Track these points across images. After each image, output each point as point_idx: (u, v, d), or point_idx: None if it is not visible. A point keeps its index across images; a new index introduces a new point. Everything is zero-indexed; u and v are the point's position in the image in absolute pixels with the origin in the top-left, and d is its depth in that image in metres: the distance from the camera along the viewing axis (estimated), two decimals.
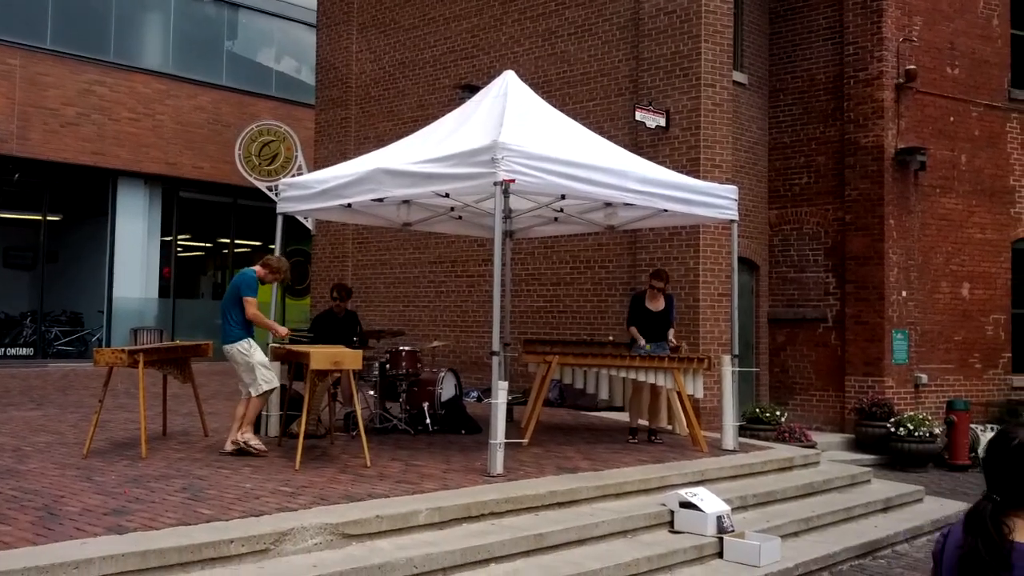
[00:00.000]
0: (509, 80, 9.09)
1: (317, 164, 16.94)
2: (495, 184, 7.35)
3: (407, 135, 9.97)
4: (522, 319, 13.88)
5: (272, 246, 8.75)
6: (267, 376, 7.99)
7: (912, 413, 12.58)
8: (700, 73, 12.17)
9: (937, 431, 12.38)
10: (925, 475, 11.73)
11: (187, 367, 8.78)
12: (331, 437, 8.98)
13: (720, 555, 6.80)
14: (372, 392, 10.19)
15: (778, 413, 12.20)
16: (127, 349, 7.86)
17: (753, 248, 13.70)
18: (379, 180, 8.19)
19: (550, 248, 13.89)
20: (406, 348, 9.96)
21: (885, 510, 8.86)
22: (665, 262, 12.12)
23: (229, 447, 7.89)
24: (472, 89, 12.29)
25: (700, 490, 7.25)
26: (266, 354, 8.38)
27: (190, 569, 4.95)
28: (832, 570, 7.23)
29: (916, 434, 12.14)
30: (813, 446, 11.09)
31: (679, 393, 9.47)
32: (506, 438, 7.41)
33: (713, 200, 9.32)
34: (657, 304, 9.79)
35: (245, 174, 18.56)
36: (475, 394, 12.94)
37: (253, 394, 7.93)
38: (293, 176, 14.14)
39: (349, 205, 8.90)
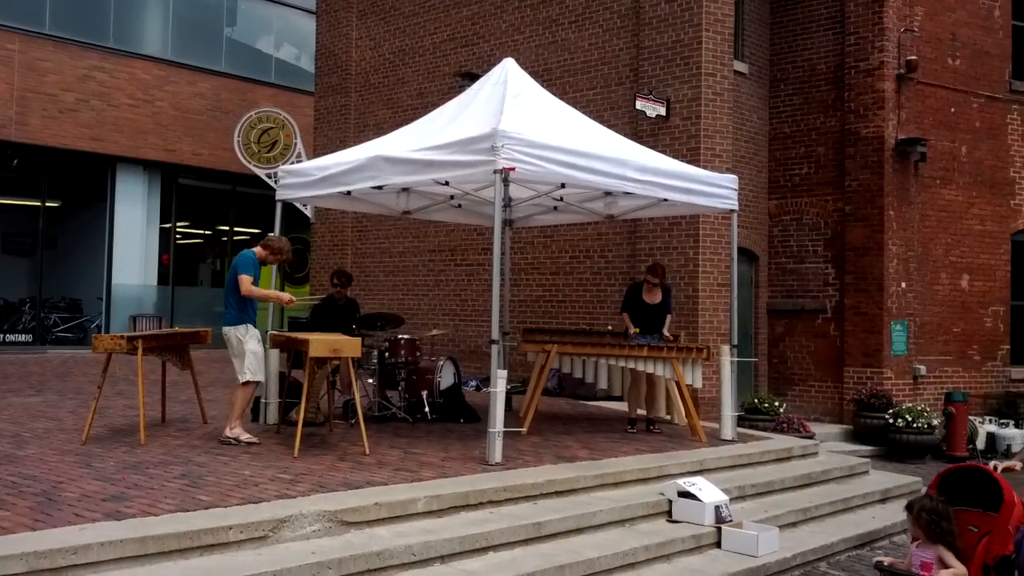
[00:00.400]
0: (509, 68, 9.06)
1: (316, 151, 16.92)
2: (495, 172, 7.33)
3: (407, 123, 9.95)
4: (521, 308, 13.88)
5: (271, 234, 8.72)
6: (253, 367, 7.90)
7: (911, 404, 12.60)
8: (701, 62, 12.14)
9: (935, 422, 12.40)
10: (923, 466, 11.75)
11: (186, 354, 8.76)
12: (330, 425, 8.98)
13: (718, 545, 6.81)
14: (371, 380, 10.19)
15: (777, 404, 12.20)
16: (126, 335, 7.84)
17: (753, 238, 13.69)
18: (379, 167, 8.17)
19: (549, 237, 13.88)
20: (405, 336, 9.95)
21: (883, 501, 8.88)
22: (665, 252, 12.11)
23: (228, 433, 7.88)
24: (472, 77, 12.26)
25: (698, 480, 7.26)
26: (266, 341, 8.36)
27: (189, 555, 4.95)
28: (830, 560, 7.25)
29: (914, 425, 12.15)
30: (811, 437, 11.10)
31: (678, 383, 9.47)
32: (505, 427, 7.42)
33: (713, 190, 9.31)
34: (653, 297, 9.77)
35: (244, 161, 18.53)
36: (474, 383, 12.94)
37: (240, 380, 7.90)
38: (292, 163, 14.10)
39: (348, 192, 8.88)
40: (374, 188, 8.57)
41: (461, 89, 11.22)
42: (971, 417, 13.00)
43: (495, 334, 7.53)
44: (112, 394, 10.59)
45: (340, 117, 17.50)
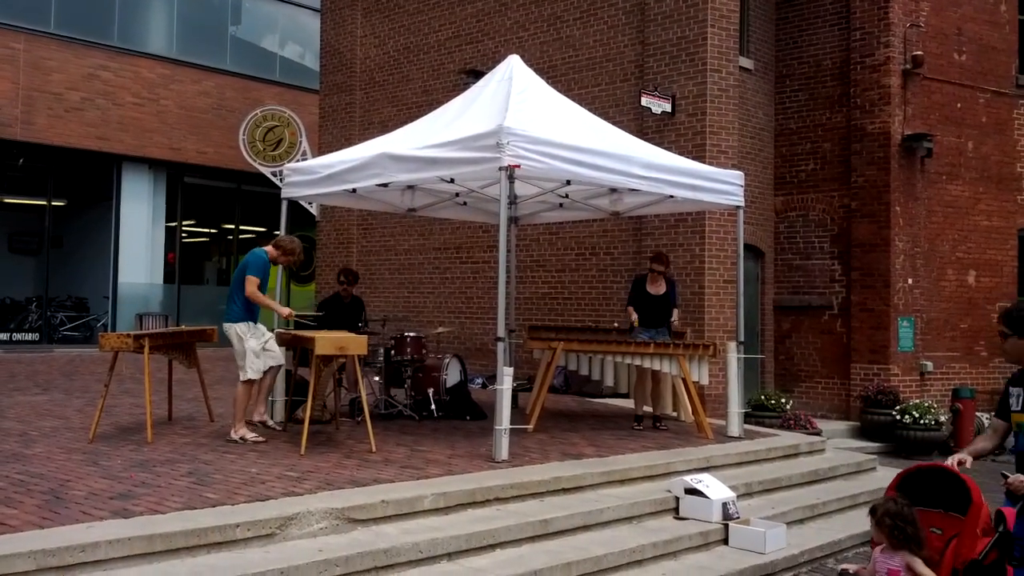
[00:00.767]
0: (514, 65, 9.04)
1: (321, 149, 16.92)
2: (500, 169, 7.31)
3: (412, 120, 9.94)
4: (527, 305, 13.87)
5: (277, 232, 8.72)
6: (254, 365, 7.89)
7: (918, 401, 12.57)
8: (706, 58, 12.12)
9: (943, 419, 12.37)
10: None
11: (192, 352, 8.77)
12: (336, 422, 8.98)
13: (725, 541, 6.80)
14: (377, 378, 10.19)
15: (783, 400, 12.19)
16: (132, 334, 7.86)
17: (759, 235, 13.67)
18: (384, 165, 8.16)
19: (555, 234, 13.87)
20: (411, 334, 9.95)
21: None
22: (671, 248, 12.09)
23: (233, 435, 7.89)
24: (477, 74, 12.24)
25: (705, 477, 7.25)
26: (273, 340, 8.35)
27: (196, 553, 4.95)
28: (837, 557, 7.23)
29: (922, 422, 12.12)
30: (818, 433, 11.09)
31: (684, 380, 9.46)
32: (511, 424, 7.42)
33: (719, 186, 9.29)
34: (658, 288, 9.73)
35: (249, 159, 18.54)
36: (480, 380, 12.95)
37: (240, 378, 7.90)
38: (297, 161, 14.09)
39: (354, 190, 8.87)
40: (379, 186, 8.56)
41: (466, 86, 11.21)
42: (978, 413, 12.96)
43: (501, 331, 7.52)
44: (119, 392, 10.60)
45: (345, 115, 17.50)
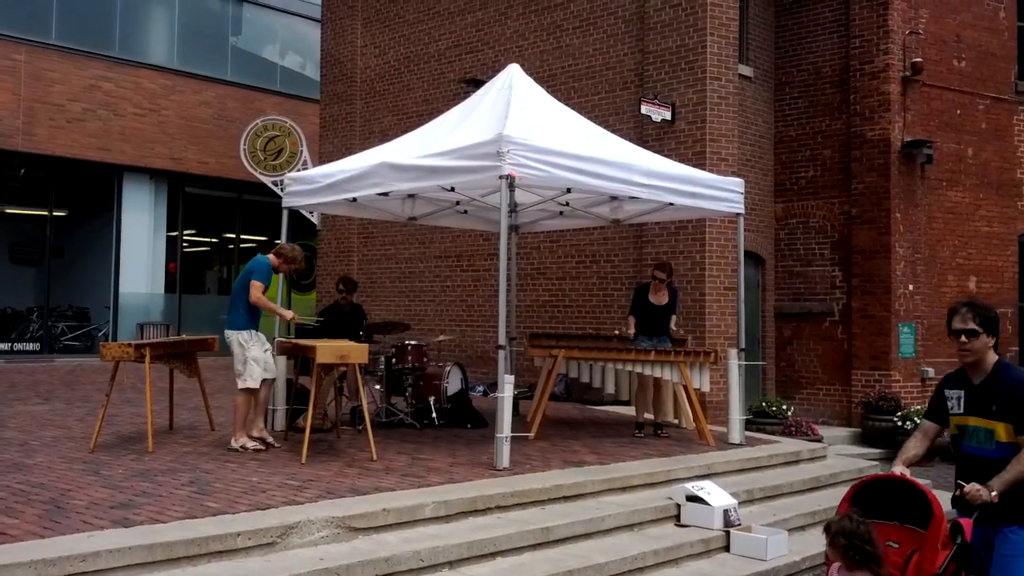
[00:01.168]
0: (514, 73, 9.07)
1: (322, 159, 16.95)
2: (500, 178, 7.33)
3: (412, 129, 9.96)
4: (528, 313, 13.88)
5: (278, 241, 8.73)
6: (255, 374, 7.89)
7: (919, 407, 12.55)
8: (706, 66, 12.14)
9: None
10: (932, 469, 11.69)
11: (193, 361, 8.78)
12: (337, 431, 8.98)
13: (727, 549, 6.80)
14: (378, 386, 10.20)
15: (784, 407, 12.18)
16: (134, 343, 7.86)
17: (759, 242, 13.68)
18: (384, 174, 8.17)
19: (555, 242, 13.88)
20: (412, 342, 9.95)
21: None
22: (671, 256, 12.10)
23: (234, 443, 7.89)
24: (477, 83, 12.28)
25: (707, 484, 7.24)
26: (272, 348, 8.36)
27: (197, 562, 4.95)
28: None
29: None
30: (820, 440, 11.08)
31: (685, 387, 9.46)
32: (512, 432, 7.42)
33: (719, 193, 9.30)
34: (660, 298, 9.72)
35: (250, 169, 18.57)
36: (481, 388, 12.94)
37: (239, 386, 7.89)
38: (298, 171, 14.11)
39: (354, 199, 8.89)
40: (380, 195, 8.58)
41: (466, 95, 11.24)
42: None
43: (502, 339, 7.52)
44: (120, 402, 10.61)
45: (346, 124, 17.54)
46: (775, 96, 14.27)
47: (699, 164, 11.52)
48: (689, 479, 7.52)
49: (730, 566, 6.51)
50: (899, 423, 12.24)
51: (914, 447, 4.70)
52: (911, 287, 13.31)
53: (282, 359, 8.85)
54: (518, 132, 7.53)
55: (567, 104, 10.02)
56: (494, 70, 11.61)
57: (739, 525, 6.91)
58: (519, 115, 8.11)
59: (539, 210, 10.49)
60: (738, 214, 9.59)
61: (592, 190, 8.56)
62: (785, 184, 14.14)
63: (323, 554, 5.26)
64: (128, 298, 20.07)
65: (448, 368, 10.13)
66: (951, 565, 4.11)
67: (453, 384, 10.10)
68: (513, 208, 10.39)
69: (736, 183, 9.56)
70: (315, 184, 8.99)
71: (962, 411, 4.50)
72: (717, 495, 7.05)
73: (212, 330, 10.87)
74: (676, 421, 10.37)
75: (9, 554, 4.55)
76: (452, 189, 8.78)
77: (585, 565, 5.87)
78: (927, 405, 4.86)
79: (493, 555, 5.83)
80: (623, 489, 7.31)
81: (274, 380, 8.33)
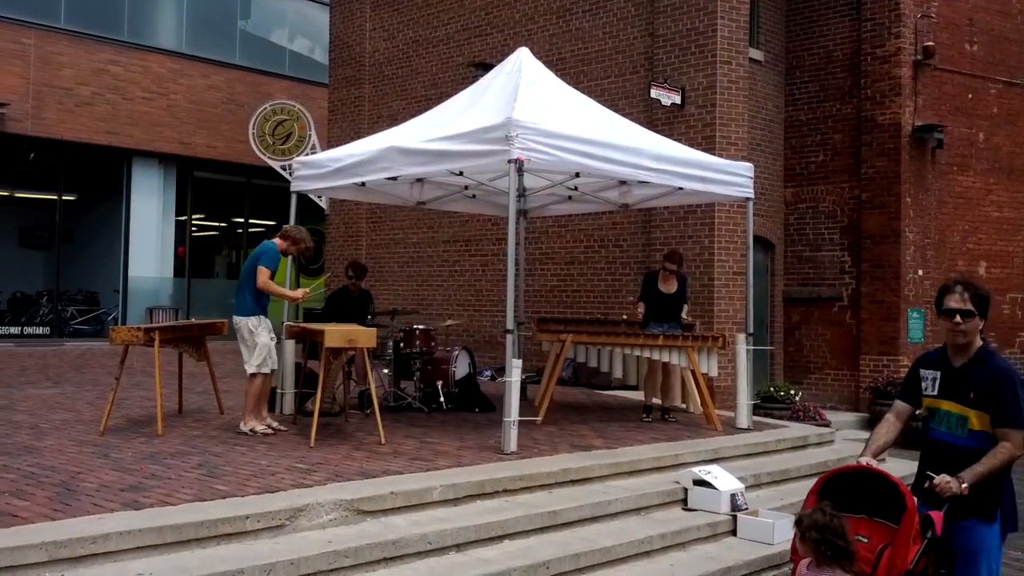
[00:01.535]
0: (523, 57, 9.03)
1: (331, 143, 16.94)
2: (509, 162, 7.31)
3: (421, 113, 9.94)
4: (536, 298, 13.87)
5: (286, 225, 8.73)
6: (264, 359, 7.87)
7: None
8: (716, 50, 12.08)
9: None
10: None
11: (202, 345, 8.80)
12: (346, 415, 9.01)
13: (734, 533, 6.80)
14: (386, 370, 10.22)
15: (792, 392, 12.16)
16: (143, 327, 7.87)
17: (768, 227, 13.64)
18: (393, 159, 8.16)
19: (564, 227, 13.86)
20: (420, 327, 9.96)
21: None
22: (680, 240, 12.08)
23: (243, 427, 7.91)
24: (486, 67, 12.23)
25: (714, 468, 7.24)
26: (280, 334, 8.37)
27: (206, 544, 4.98)
28: None
29: None
30: (827, 425, 11.06)
31: (693, 372, 9.45)
32: (520, 416, 7.42)
33: (728, 178, 9.25)
34: (669, 287, 9.69)
35: (259, 153, 18.58)
36: (489, 372, 12.96)
37: (247, 371, 7.90)
38: (307, 155, 14.11)
39: (363, 184, 8.89)
40: (388, 179, 8.57)
41: (475, 79, 11.20)
42: None
43: (510, 324, 7.52)
44: (129, 385, 10.64)
45: (354, 108, 17.51)
46: (785, 80, 14.20)
47: (708, 148, 11.47)
48: (696, 463, 7.52)
49: (737, 550, 6.51)
50: None
51: (885, 433, 4.51)
52: (920, 272, 13.26)
53: (290, 343, 8.87)
54: (527, 116, 7.50)
55: (576, 88, 9.97)
56: (503, 53, 11.57)
57: (746, 509, 6.91)
58: (528, 99, 8.08)
59: (548, 194, 10.47)
60: (747, 199, 9.55)
61: (601, 174, 8.54)
62: (795, 169, 14.09)
63: (331, 537, 5.28)
64: (137, 282, 20.14)
65: (456, 352, 10.14)
66: (922, 560, 3.93)
67: (461, 368, 10.12)
68: (521, 192, 10.37)
69: (746, 167, 9.51)
70: (324, 168, 8.98)
71: (936, 393, 4.30)
72: (724, 479, 7.05)
73: (221, 314, 10.90)
74: (684, 406, 10.37)
75: (20, 536, 4.57)
76: (460, 173, 8.77)
77: (592, 548, 5.89)
78: (902, 384, 4.64)
79: (500, 538, 5.84)
80: (630, 473, 7.32)
81: (274, 371, 8.30)
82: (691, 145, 10.84)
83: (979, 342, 4.21)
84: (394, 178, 8.55)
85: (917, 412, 4.46)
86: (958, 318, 4.13)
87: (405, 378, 10.23)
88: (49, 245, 20.48)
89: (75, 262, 20.35)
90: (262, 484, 5.90)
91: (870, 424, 12.71)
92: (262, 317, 7.98)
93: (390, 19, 17.03)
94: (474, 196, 10.47)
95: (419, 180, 9.67)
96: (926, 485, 4.07)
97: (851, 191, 13.52)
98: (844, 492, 4.27)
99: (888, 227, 13.08)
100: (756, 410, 10.12)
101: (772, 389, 12.15)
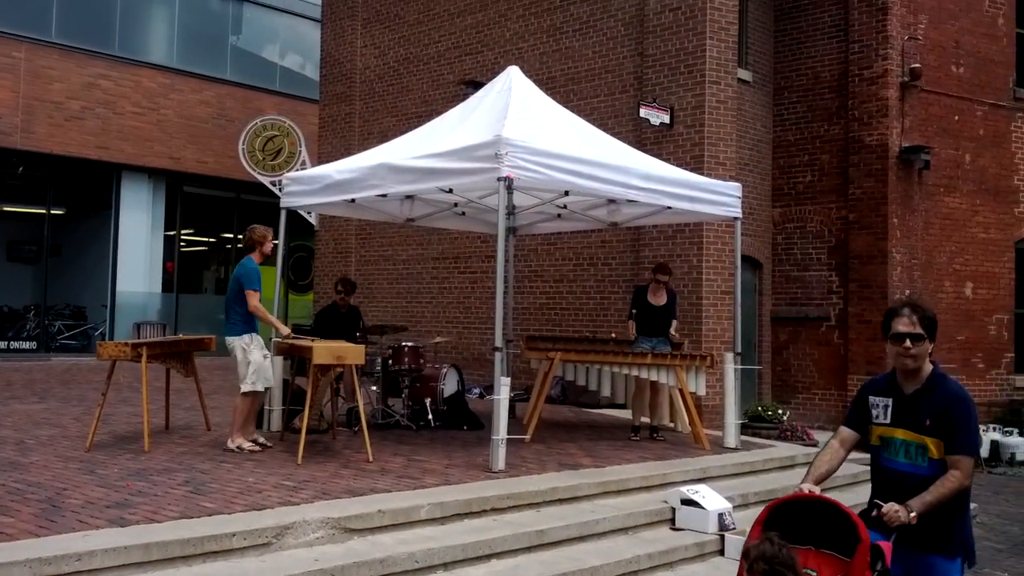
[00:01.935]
0: (513, 76, 9.08)
1: (321, 159, 16.94)
2: (498, 180, 7.34)
3: (411, 130, 9.97)
4: (525, 316, 13.88)
5: (276, 241, 8.73)
6: (256, 377, 7.89)
7: None
8: (704, 70, 12.16)
9: None
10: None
11: (190, 361, 8.77)
12: (333, 432, 8.99)
13: (722, 552, 6.80)
14: (375, 388, 10.20)
15: (780, 411, 12.19)
16: (130, 343, 7.86)
17: (756, 246, 13.69)
18: (383, 176, 8.18)
19: (553, 245, 13.89)
20: (409, 344, 9.96)
21: None
22: (668, 259, 12.11)
23: (230, 444, 7.89)
24: (476, 85, 12.28)
25: (702, 487, 7.25)
26: (269, 349, 8.37)
27: (192, 562, 4.96)
28: None
29: None
30: (815, 444, 11.08)
31: (681, 390, 9.47)
32: (508, 434, 7.42)
33: (716, 197, 9.31)
34: (659, 299, 9.76)
35: (249, 169, 18.56)
36: (477, 390, 12.95)
37: (242, 389, 7.89)
38: (297, 171, 14.11)
39: (353, 200, 8.90)
40: (378, 196, 8.59)
41: (465, 97, 11.25)
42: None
43: (499, 341, 7.53)
44: (116, 401, 10.60)
45: (345, 125, 17.54)
46: (774, 100, 14.30)
47: (697, 168, 11.53)
48: (684, 483, 7.53)
49: (724, 570, 6.51)
50: None
51: (828, 461, 4.25)
52: (908, 292, 13.32)
53: (279, 360, 8.85)
54: (517, 134, 7.54)
55: (566, 107, 10.03)
56: (493, 72, 11.61)
57: (734, 529, 6.92)
58: (518, 117, 8.12)
59: (537, 212, 10.51)
60: (735, 218, 9.60)
61: (590, 193, 8.58)
62: (783, 189, 14.17)
63: (318, 555, 5.27)
64: (125, 297, 20.06)
65: (444, 370, 10.13)
66: None
67: (449, 386, 10.11)
68: (511, 210, 10.40)
69: (734, 187, 9.58)
70: (313, 184, 9.00)
71: (889, 421, 4.06)
72: (712, 499, 7.06)
73: (209, 330, 10.89)
74: (672, 425, 10.39)
75: (4, 553, 4.55)
76: (450, 191, 8.79)
77: (579, 568, 5.88)
78: (847, 410, 4.37)
79: (488, 557, 5.83)
80: (618, 492, 7.32)
81: (268, 389, 8.31)
82: (680, 164, 10.91)
83: (929, 366, 4.05)
84: (384, 195, 8.57)
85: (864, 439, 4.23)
86: (908, 342, 3.94)
87: (393, 395, 10.22)
88: (37, 259, 20.40)
89: (63, 276, 20.27)
90: (249, 501, 5.88)
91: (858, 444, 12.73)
92: (254, 335, 7.99)
93: (381, 36, 17.09)
94: (464, 213, 10.49)
95: (409, 197, 9.68)
96: (873, 514, 3.89)
97: (838, 211, 13.59)
98: (791, 522, 4.02)
99: (875, 247, 13.16)
100: (744, 429, 10.14)
101: (760, 408, 12.18)
